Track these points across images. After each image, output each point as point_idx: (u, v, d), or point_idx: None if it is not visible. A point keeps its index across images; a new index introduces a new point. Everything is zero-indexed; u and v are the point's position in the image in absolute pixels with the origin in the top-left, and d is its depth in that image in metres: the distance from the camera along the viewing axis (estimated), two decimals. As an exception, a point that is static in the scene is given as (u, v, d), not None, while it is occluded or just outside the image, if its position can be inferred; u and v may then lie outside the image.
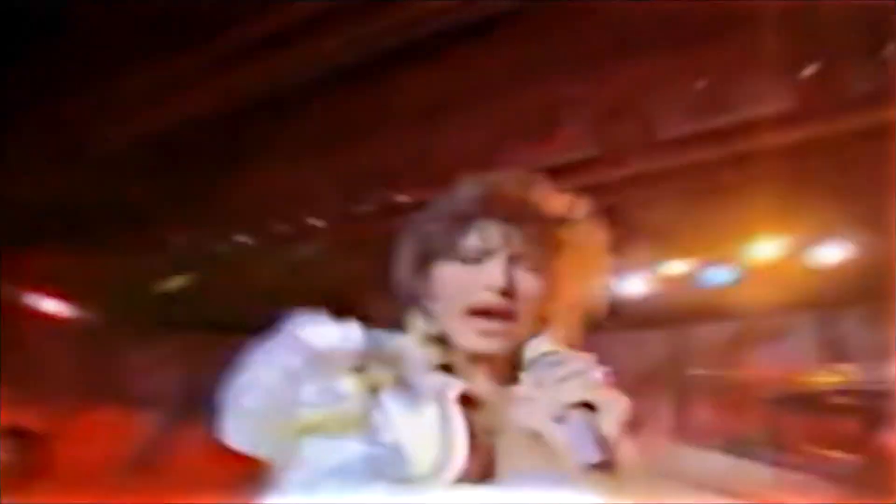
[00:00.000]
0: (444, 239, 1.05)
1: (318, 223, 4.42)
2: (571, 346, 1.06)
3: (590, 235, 1.08)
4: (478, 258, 1.02)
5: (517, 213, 1.03)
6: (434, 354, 1.04)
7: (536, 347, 1.03)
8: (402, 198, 4.23)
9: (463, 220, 1.04)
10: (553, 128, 3.82)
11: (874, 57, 3.14)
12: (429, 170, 4.09)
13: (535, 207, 1.04)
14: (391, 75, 3.89)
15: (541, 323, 1.05)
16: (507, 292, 1.00)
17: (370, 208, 4.32)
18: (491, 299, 1.00)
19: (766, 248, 4.36)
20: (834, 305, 4.61)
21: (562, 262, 1.05)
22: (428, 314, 1.07)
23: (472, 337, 1.02)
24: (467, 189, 1.08)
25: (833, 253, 4.22)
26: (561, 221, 1.05)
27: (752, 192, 3.85)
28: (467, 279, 1.02)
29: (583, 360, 1.01)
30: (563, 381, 0.97)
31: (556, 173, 3.66)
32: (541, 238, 1.03)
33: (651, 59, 3.54)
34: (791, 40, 3.25)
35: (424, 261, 1.07)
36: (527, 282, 1.02)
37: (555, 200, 1.06)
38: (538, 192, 1.06)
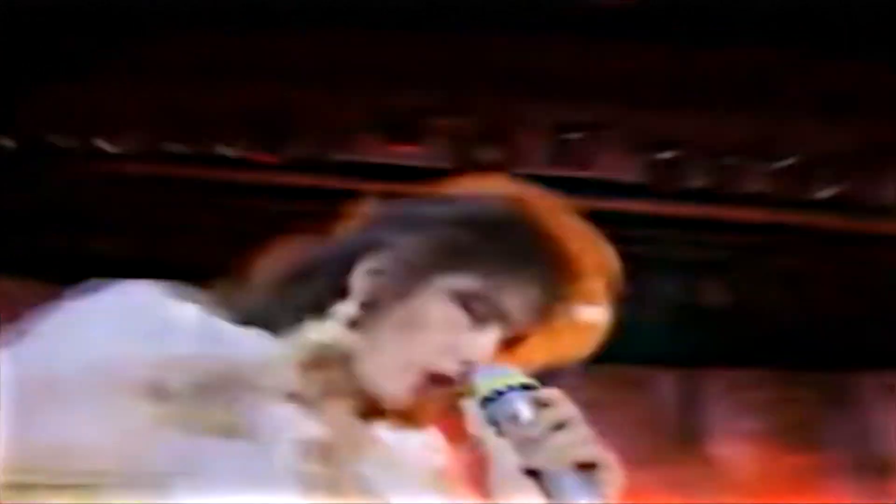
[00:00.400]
0: (402, 256, 0.84)
1: (114, 149, 3.87)
2: None
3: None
4: (481, 319, 0.83)
5: (524, 259, 0.84)
6: (297, 376, 0.79)
7: (500, 377, 0.81)
8: (225, 150, 3.90)
9: (446, 249, 0.84)
10: (417, 133, 3.84)
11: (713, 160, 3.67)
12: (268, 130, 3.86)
13: (553, 248, 0.86)
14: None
15: None
16: (470, 366, 0.82)
17: (184, 150, 3.91)
18: (455, 368, 0.82)
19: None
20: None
21: None
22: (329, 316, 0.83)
23: (404, 392, 0.82)
24: (465, 201, 0.89)
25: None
26: (589, 270, 0.87)
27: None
28: (429, 331, 0.83)
29: (568, 402, 0.82)
30: (559, 431, 0.77)
31: (404, 175, 3.70)
32: (551, 297, 0.85)
33: (533, 101, 3.75)
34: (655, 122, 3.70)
35: (350, 264, 0.85)
36: (489, 353, 0.84)
37: (581, 237, 0.88)
38: (560, 222, 0.88)
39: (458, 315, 0.82)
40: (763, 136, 3.64)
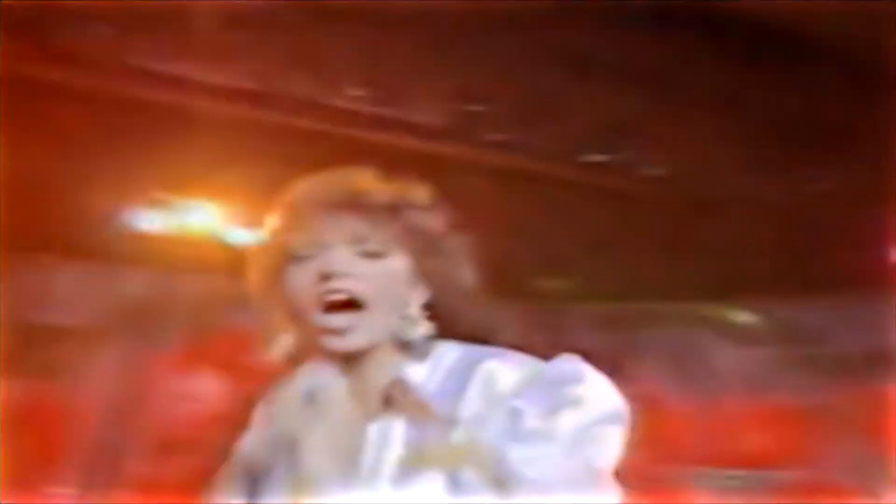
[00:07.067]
0: (284, 241, 0.98)
1: None
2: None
3: (427, 220, 1.02)
4: (309, 254, 0.95)
5: (347, 202, 0.96)
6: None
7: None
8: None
9: (293, 220, 0.98)
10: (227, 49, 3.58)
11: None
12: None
13: (367, 194, 0.98)
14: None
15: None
16: (345, 276, 0.93)
17: None
18: (330, 286, 0.92)
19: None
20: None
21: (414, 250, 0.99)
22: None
23: (325, 335, 0.93)
24: (295, 191, 1.01)
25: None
26: (397, 207, 0.98)
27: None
28: (302, 275, 0.94)
29: None
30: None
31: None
32: (379, 223, 0.96)
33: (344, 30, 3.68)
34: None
35: (276, 272, 0.99)
36: (371, 266, 0.95)
37: (386, 187, 1.00)
38: (366, 181, 1.00)
39: (297, 266, 0.97)
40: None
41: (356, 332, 0.93)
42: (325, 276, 0.92)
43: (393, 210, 0.97)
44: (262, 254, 1.01)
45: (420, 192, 1.01)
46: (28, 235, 3.98)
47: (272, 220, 1.00)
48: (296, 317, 0.96)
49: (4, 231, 3.89)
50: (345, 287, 0.92)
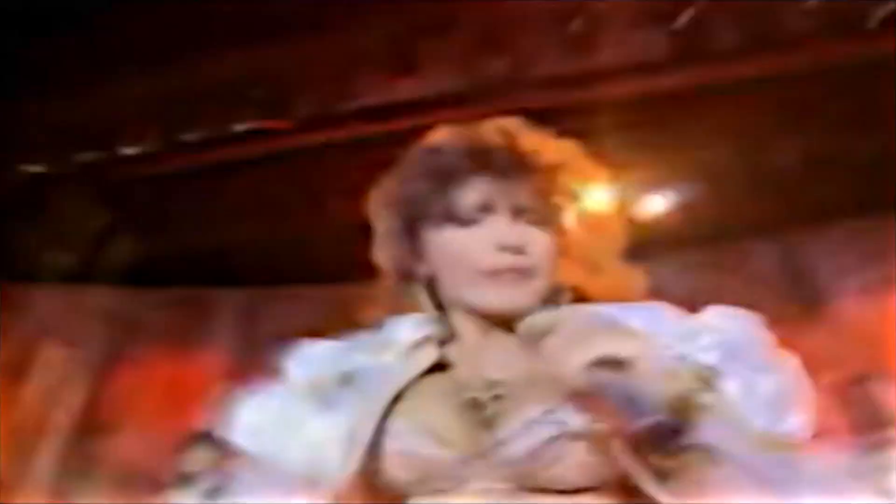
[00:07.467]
0: (433, 201, 0.97)
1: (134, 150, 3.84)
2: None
3: (587, 176, 1.01)
4: (475, 218, 0.95)
5: (511, 165, 0.96)
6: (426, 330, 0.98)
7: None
8: (242, 126, 3.79)
9: (451, 178, 0.96)
10: (413, 59, 3.57)
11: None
12: (269, 96, 3.71)
13: (528, 156, 0.97)
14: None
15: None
16: (519, 249, 0.93)
17: (200, 137, 3.83)
18: (503, 259, 0.93)
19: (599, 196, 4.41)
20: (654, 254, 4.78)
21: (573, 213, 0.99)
22: (429, 287, 1.00)
23: (491, 299, 0.94)
24: (448, 142, 1.00)
25: (657, 203, 4.33)
26: (558, 168, 0.98)
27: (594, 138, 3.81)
28: (471, 241, 0.95)
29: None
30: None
31: (417, 108, 3.39)
32: (543, 189, 0.96)
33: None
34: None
35: (413, 229, 0.99)
36: (535, 237, 0.95)
37: (547, 146, 0.99)
38: (528, 140, 0.98)
39: (456, 231, 0.98)
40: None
41: (520, 294, 0.94)
42: (498, 246, 0.94)
43: (555, 172, 0.98)
44: (397, 212, 1.01)
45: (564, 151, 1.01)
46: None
47: (412, 180, 1.00)
48: (443, 276, 0.98)
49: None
50: (517, 261, 0.94)
